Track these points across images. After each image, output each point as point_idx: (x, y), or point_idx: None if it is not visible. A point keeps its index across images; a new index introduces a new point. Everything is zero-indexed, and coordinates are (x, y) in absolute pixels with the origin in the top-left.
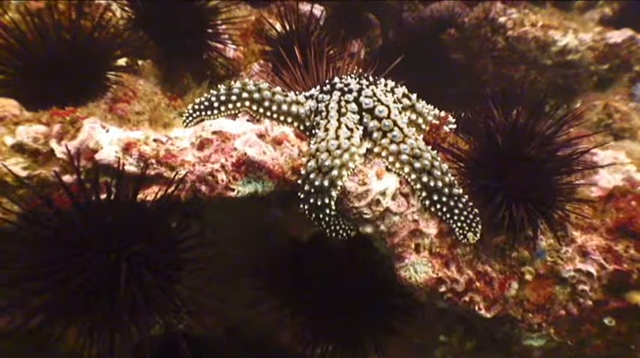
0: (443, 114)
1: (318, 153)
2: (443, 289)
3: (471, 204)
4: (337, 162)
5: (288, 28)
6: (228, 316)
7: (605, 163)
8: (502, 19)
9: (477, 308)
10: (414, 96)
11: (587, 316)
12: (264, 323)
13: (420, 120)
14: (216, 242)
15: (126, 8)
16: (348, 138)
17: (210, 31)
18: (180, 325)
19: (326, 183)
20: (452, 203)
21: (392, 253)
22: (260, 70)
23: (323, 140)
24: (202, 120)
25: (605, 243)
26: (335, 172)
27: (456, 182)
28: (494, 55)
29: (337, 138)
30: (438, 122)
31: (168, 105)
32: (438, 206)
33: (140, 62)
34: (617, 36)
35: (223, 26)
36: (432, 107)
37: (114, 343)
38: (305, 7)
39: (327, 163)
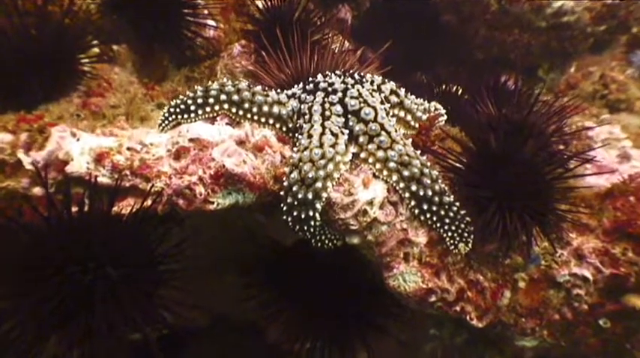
0: (433, 106)
1: (301, 164)
2: (433, 299)
3: (462, 212)
4: (321, 173)
5: (272, 2)
6: (215, 310)
7: (600, 139)
8: None
9: (468, 317)
10: (402, 92)
11: (582, 319)
12: (253, 318)
13: (409, 117)
14: (198, 242)
15: None
16: (333, 146)
17: (186, 10)
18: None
19: (310, 195)
20: (442, 212)
21: (380, 263)
22: (242, 51)
23: (306, 149)
24: (179, 123)
25: (602, 245)
26: (319, 184)
27: (447, 189)
28: (486, 18)
29: (321, 146)
30: (427, 118)
31: (145, 94)
32: (428, 215)
33: (115, 48)
34: None
35: (201, 2)
36: (422, 101)
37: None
38: None
39: (310, 175)
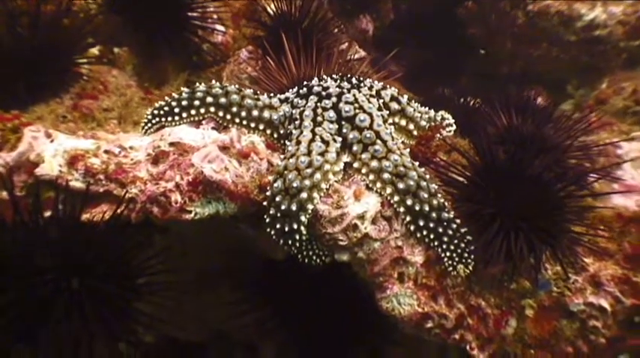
0: (440, 116)
1: (285, 172)
2: (430, 325)
3: (463, 230)
4: (307, 182)
5: (283, 8)
6: (211, 326)
7: (629, 156)
8: None
9: (468, 347)
10: (404, 99)
11: (599, 354)
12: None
13: (411, 126)
14: (188, 253)
15: None
16: (322, 154)
17: (193, 14)
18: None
19: (294, 206)
20: (440, 229)
21: (372, 282)
22: (249, 56)
23: (293, 156)
24: (163, 126)
25: (622, 272)
26: (304, 194)
27: (446, 205)
28: (513, 31)
29: (309, 153)
30: (430, 128)
31: (142, 99)
32: (425, 232)
33: (116, 50)
34: None
35: (211, 8)
36: (427, 109)
37: None
38: None
39: (295, 184)
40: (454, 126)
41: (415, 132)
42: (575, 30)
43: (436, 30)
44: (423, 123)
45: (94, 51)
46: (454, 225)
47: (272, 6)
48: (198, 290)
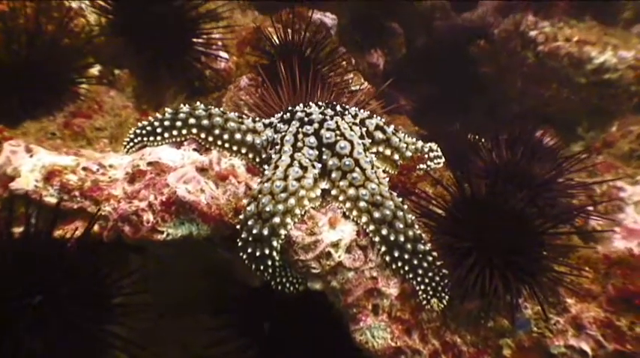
0: (427, 147)
1: (260, 196)
2: None
3: (439, 263)
4: (280, 207)
5: (289, 38)
6: (192, 352)
7: (632, 201)
8: (533, 33)
9: None
10: (389, 129)
11: None
12: None
13: (396, 156)
14: (163, 276)
15: (103, 8)
16: (298, 179)
17: (198, 40)
18: None
19: (265, 231)
20: (415, 261)
21: (346, 313)
22: (249, 84)
23: (268, 180)
24: (145, 146)
25: (604, 315)
26: (277, 219)
27: (423, 236)
28: (523, 70)
29: (285, 178)
30: (411, 158)
31: (138, 120)
32: (400, 263)
33: (116, 72)
34: None
35: (216, 34)
36: (414, 140)
37: None
38: (316, 16)
39: (268, 208)
40: (442, 159)
41: (400, 162)
42: (585, 72)
43: (448, 67)
44: (409, 153)
45: (94, 71)
46: (430, 258)
47: (279, 34)
48: (178, 314)
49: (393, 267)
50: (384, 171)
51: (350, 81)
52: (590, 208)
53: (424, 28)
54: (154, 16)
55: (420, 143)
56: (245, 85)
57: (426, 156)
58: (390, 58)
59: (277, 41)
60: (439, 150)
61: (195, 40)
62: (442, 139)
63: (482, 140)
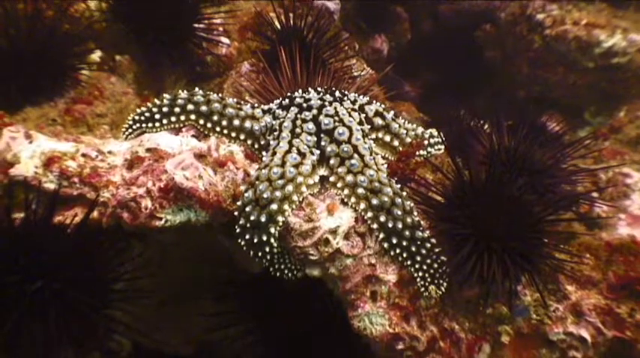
0: (428, 133)
1: (257, 183)
2: (401, 347)
3: (437, 250)
4: (277, 194)
5: (291, 23)
6: (196, 338)
7: (639, 187)
8: (540, 16)
9: None
10: (389, 115)
11: None
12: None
13: (396, 143)
14: (164, 263)
15: None
16: (296, 166)
17: (199, 25)
18: (123, 352)
19: (263, 218)
20: (413, 248)
21: (344, 300)
22: (250, 69)
23: (266, 166)
24: (144, 132)
25: (604, 302)
26: (274, 206)
27: (421, 223)
28: (529, 55)
29: (283, 164)
30: (410, 144)
31: (138, 106)
32: (398, 250)
33: (118, 58)
34: None
35: (218, 20)
36: (415, 126)
37: None
38: (319, 1)
39: (265, 195)
40: (443, 145)
41: (400, 149)
42: (593, 57)
43: (453, 52)
44: (409, 139)
45: (95, 57)
46: (428, 245)
47: (281, 19)
48: (180, 300)
49: (392, 253)
50: (383, 158)
51: (352, 67)
52: (595, 195)
53: (429, 13)
54: (154, 1)
55: (420, 129)
56: (246, 71)
57: (426, 142)
58: (395, 43)
59: (279, 26)
60: (440, 136)
61: (196, 25)
62: (445, 124)
63: (485, 125)
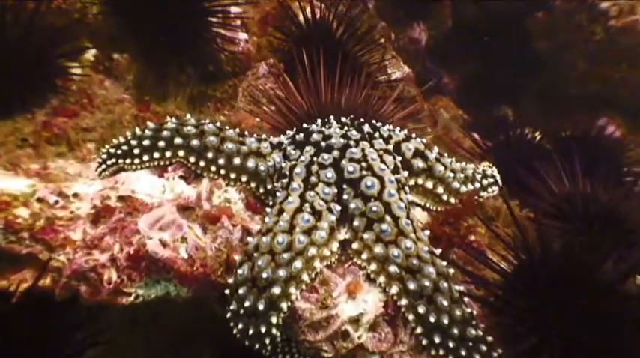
0: (480, 174)
1: (255, 255)
2: None
3: (495, 354)
4: (281, 273)
5: (318, 15)
6: None
7: None
8: (604, 5)
9: None
10: (432, 155)
11: None
12: None
13: (440, 189)
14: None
15: None
16: (308, 232)
17: (212, 19)
18: None
19: (262, 305)
20: (463, 352)
21: None
22: (268, 71)
23: (269, 231)
24: (122, 169)
25: None
26: (276, 290)
27: (474, 315)
28: (586, 48)
29: (290, 230)
30: (466, 197)
31: (135, 116)
32: (442, 351)
33: (115, 56)
34: None
35: (234, 10)
36: (464, 165)
37: None
38: None
39: (265, 274)
40: (498, 185)
41: (445, 197)
42: None
43: (498, 42)
44: (457, 185)
45: (89, 56)
46: (483, 347)
47: (305, 12)
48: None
49: (433, 353)
50: (423, 209)
51: (387, 64)
52: None
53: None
54: None
55: (470, 168)
56: (264, 72)
57: (478, 184)
58: (434, 32)
59: (303, 20)
60: (494, 173)
61: (209, 19)
62: (490, 127)
63: (536, 134)
